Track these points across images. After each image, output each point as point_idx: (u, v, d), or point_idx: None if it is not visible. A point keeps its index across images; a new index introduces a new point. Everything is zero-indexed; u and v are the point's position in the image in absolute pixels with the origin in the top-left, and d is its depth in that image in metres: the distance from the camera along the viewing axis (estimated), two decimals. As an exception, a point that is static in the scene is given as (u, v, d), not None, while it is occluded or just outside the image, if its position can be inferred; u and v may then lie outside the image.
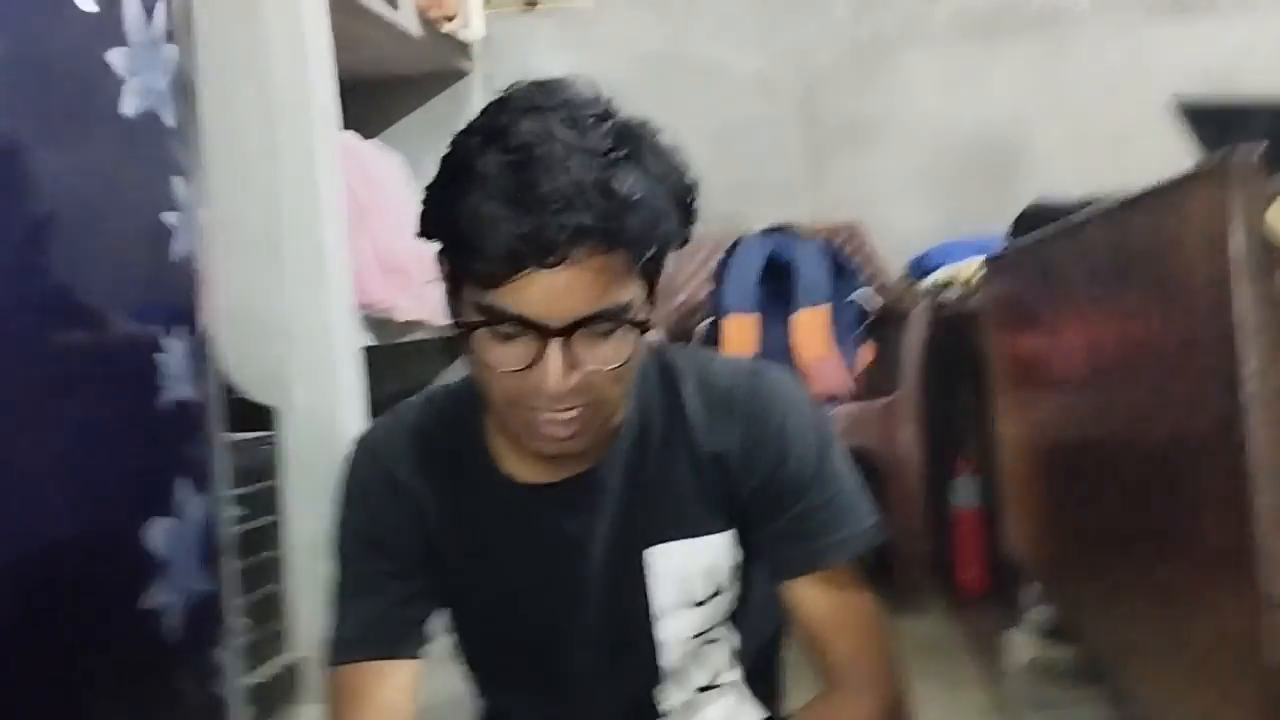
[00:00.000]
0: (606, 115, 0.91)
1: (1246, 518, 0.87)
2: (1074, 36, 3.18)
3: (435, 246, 0.94)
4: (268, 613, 2.17)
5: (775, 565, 1.04)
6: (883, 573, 3.02)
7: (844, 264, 3.03)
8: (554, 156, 0.86)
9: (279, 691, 2.14)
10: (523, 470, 1.03)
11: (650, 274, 0.93)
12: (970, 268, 2.60)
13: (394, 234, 2.55)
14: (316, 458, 2.14)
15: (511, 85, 0.94)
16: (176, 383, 1.29)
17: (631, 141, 0.90)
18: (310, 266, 2.32)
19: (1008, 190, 3.06)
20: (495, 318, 0.89)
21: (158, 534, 1.25)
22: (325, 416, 2.28)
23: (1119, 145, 3.10)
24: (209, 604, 1.36)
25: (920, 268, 3.07)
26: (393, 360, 2.67)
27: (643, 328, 0.93)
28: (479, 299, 0.89)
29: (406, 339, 2.72)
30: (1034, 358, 1.78)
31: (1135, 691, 1.32)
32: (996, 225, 2.77)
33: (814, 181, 3.32)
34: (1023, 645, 2.14)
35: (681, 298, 3.17)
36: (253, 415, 2.27)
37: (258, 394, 2.32)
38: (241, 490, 2.10)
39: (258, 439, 2.20)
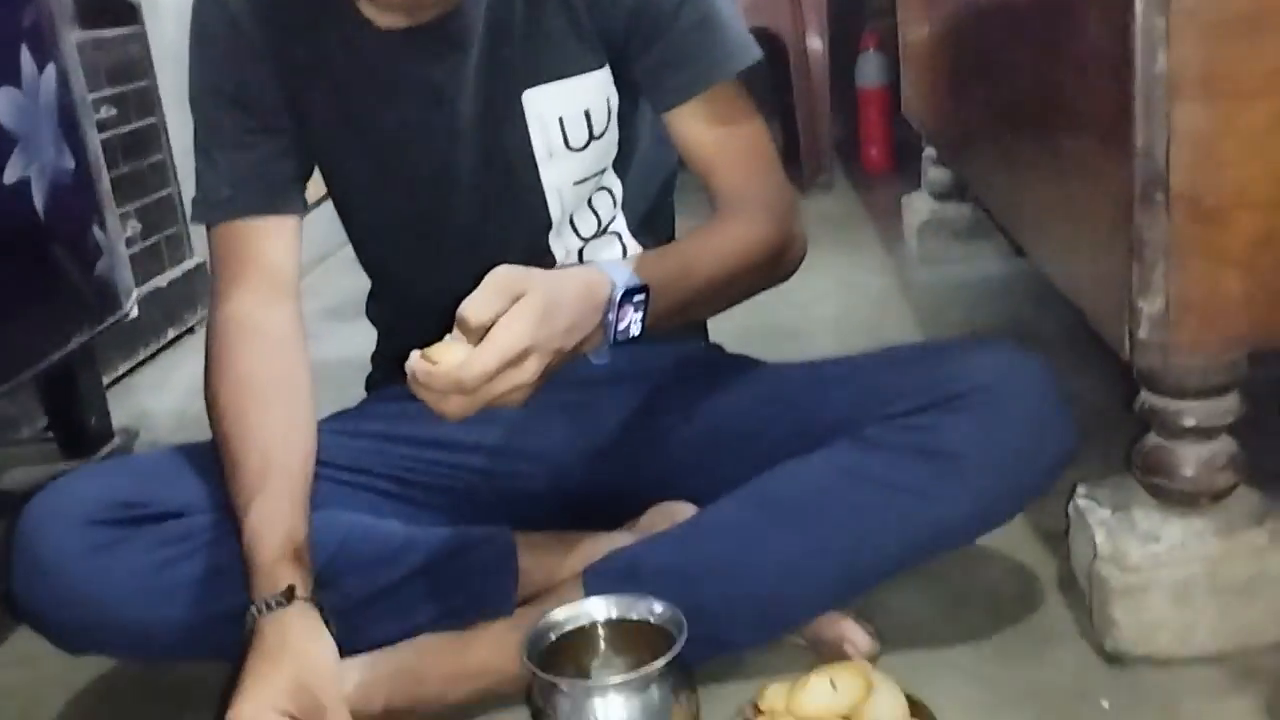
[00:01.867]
0: None
1: (1129, 83, 0.85)
2: None
3: None
4: (163, 218, 2.13)
5: (658, 96, 1.01)
6: (790, 154, 3.04)
7: None
8: None
9: (182, 296, 2.14)
10: (381, 15, 0.96)
11: None
12: None
13: None
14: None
15: None
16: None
17: None
18: None
19: None
20: None
21: (3, 104, 1.18)
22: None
23: None
24: (76, 181, 1.32)
25: None
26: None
27: None
28: None
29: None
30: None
31: (1023, 243, 1.35)
32: None
33: None
34: (919, 207, 2.18)
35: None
36: (115, 11, 2.12)
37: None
38: (114, 90, 2.00)
39: (123, 36, 2.06)
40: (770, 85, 3.08)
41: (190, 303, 2.16)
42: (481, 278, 0.89)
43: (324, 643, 0.83)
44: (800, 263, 1.06)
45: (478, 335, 0.77)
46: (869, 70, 2.94)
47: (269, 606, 0.82)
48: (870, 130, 2.96)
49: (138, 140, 2.06)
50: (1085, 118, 1.00)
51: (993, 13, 1.38)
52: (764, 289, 1.04)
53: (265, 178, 1.02)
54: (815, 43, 2.79)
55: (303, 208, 1.04)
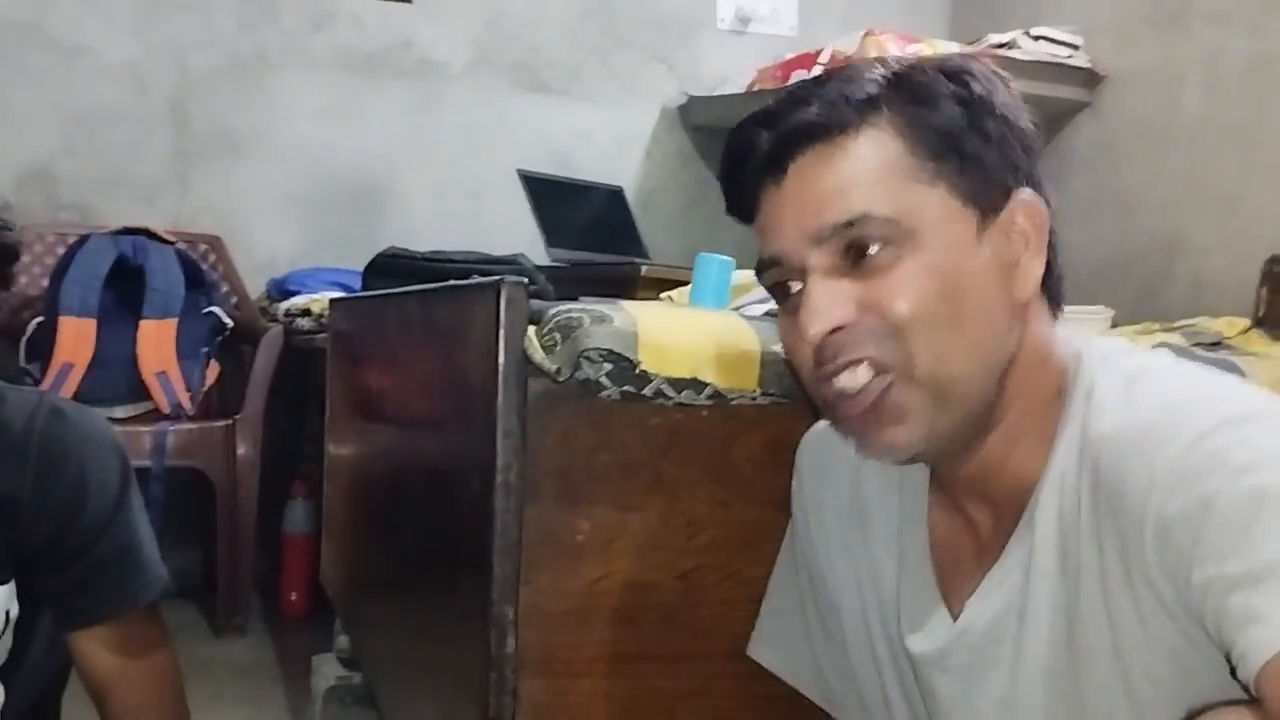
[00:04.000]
0: None
1: (487, 586, 1.02)
2: (446, 94, 3.40)
3: None
4: None
5: (63, 615, 1.02)
6: (208, 591, 3.01)
7: (201, 276, 2.96)
8: None
9: None
10: None
11: None
12: (325, 299, 2.68)
13: None
14: None
15: None
16: None
17: None
18: None
19: (373, 227, 3.20)
20: None
21: None
22: None
23: (476, 200, 3.37)
24: None
25: (280, 290, 3.10)
26: None
27: None
28: None
29: None
30: (358, 398, 1.89)
31: (389, 716, 1.47)
32: (360, 259, 2.89)
33: (179, 187, 3.21)
34: (328, 673, 2.24)
35: (15, 290, 2.91)
36: None
37: None
38: None
39: None
40: (194, 517, 3.07)
41: None
42: None
43: None
44: None
45: None
46: (296, 517, 3.03)
47: None
48: (291, 576, 3.01)
49: None
50: (452, 670, 1.15)
51: (388, 513, 1.56)
52: None
53: None
54: (246, 485, 2.86)
55: None
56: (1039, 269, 0.81)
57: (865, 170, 0.79)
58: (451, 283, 1.26)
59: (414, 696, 1.32)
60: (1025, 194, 0.82)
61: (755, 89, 3.21)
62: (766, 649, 1.04)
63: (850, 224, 0.78)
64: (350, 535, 1.92)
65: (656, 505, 1.03)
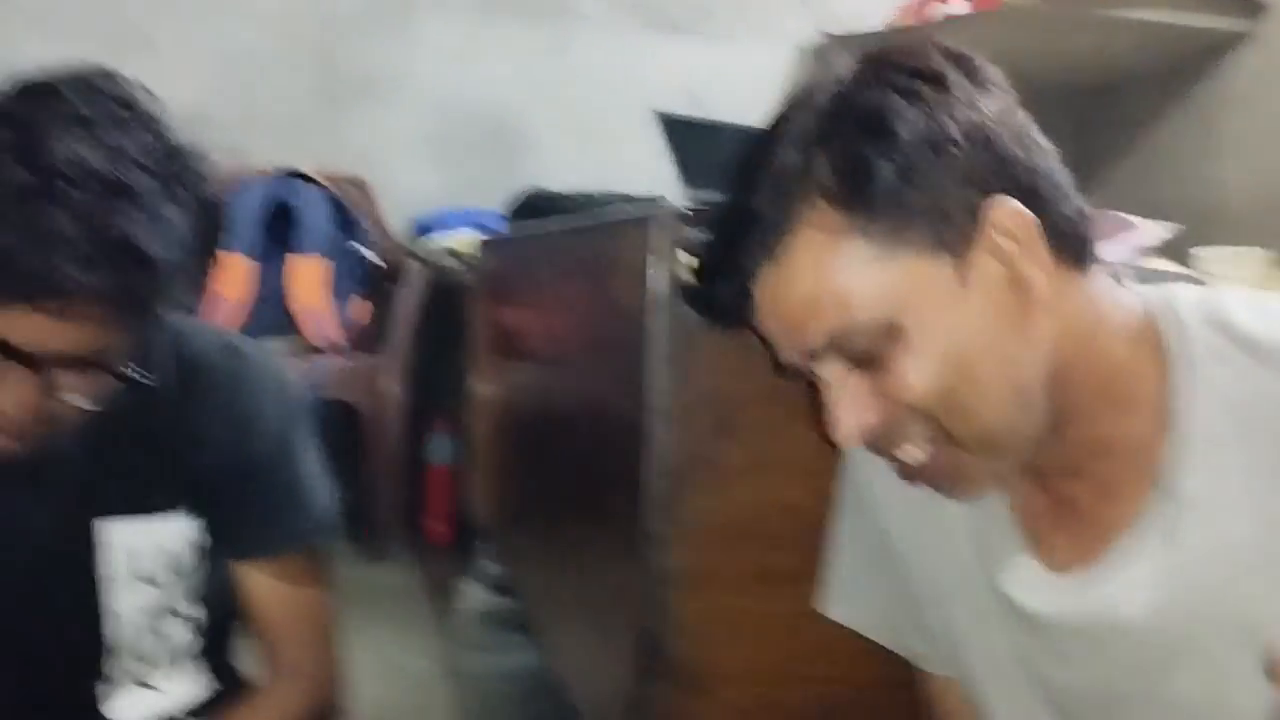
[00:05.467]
0: (152, 138, 0.85)
1: (643, 507, 1.05)
2: (579, 35, 3.42)
3: None
4: None
5: (230, 547, 1.06)
6: (357, 520, 3.14)
7: (349, 216, 3.06)
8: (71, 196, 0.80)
9: None
10: None
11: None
12: (469, 239, 2.75)
13: None
14: None
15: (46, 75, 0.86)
16: None
17: (170, 174, 0.85)
18: None
19: (510, 168, 3.26)
20: None
21: None
22: None
23: (613, 143, 3.40)
24: None
25: (422, 230, 3.18)
26: None
27: (120, 376, 0.90)
28: None
29: None
30: (509, 336, 1.95)
31: (543, 638, 1.53)
32: (497, 199, 2.96)
33: (325, 129, 3.31)
34: (473, 594, 2.32)
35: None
36: None
37: None
38: None
39: None
40: (344, 450, 3.20)
41: None
42: (19, 696, 0.86)
43: None
44: None
45: None
46: (439, 450, 3.13)
47: None
48: (436, 506, 3.13)
49: None
50: (607, 584, 1.20)
51: (541, 443, 1.61)
52: None
53: None
54: (392, 419, 2.96)
55: None
56: (1039, 272, 0.75)
57: (820, 277, 0.75)
58: (602, 215, 1.29)
59: (567, 617, 1.37)
60: (997, 204, 0.75)
61: (894, 26, 3.15)
62: (840, 606, 1.03)
63: (832, 341, 0.76)
64: (500, 466, 1.98)
65: (805, 430, 1.05)
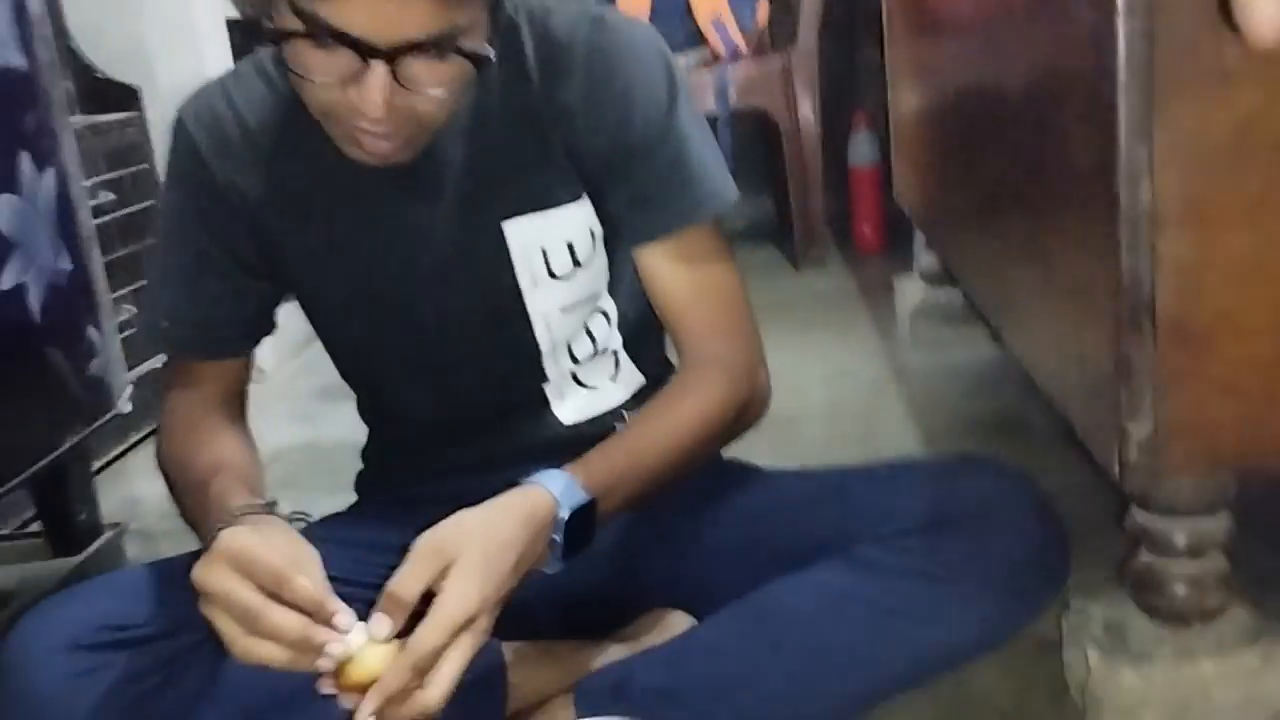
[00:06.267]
0: None
1: (1111, 126, 0.85)
2: None
3: None
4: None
5: (627, 232, 1.01)
6: (784, 232, 3.07)
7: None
8: None
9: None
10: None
11: None
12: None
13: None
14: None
15: None
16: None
17: None
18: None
19: None
20: (316, 29, 0.79)
21: (2, 211, 1.19)
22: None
23: None
24: (73, 282, 1.32)
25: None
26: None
27: (476, 59, 0.84)
28: (299, 3, 0.79)
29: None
30: (926, 12, 1.72)
31: (1007, 340, 1.36)
32: None
33: None
34: (912, 291, 2.19)
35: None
36: (115, 95, 2.15)
37: (118, 73, 2.19)
38: (112, 175, 2.02)
39: (122, 120, 2.08)
40: (763, 160, 3.12)
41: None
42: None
43: (305, 545, 0.80)
44: (760, 417, 1.04)
45: (406, 612, 0.76)
46: (861, 149, 2.97)
47: (240, 516, 0.81)
48: (863, 209, 2.99)
49: (135, 224, 2.07)
50: (1071, 235, 1.01)
51: (980, 109, 1.41)
52: (721, 449, 1.04)
53: (207, 324, 1.02)
54: (808, 122, 2.83)
55: (253, 345, 1.06)
56: None
57: None
58: None
59: (1027, 291, 1.20)
60: None
61: None
62: None
63: None
64: (929, 148, 1.80)
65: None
